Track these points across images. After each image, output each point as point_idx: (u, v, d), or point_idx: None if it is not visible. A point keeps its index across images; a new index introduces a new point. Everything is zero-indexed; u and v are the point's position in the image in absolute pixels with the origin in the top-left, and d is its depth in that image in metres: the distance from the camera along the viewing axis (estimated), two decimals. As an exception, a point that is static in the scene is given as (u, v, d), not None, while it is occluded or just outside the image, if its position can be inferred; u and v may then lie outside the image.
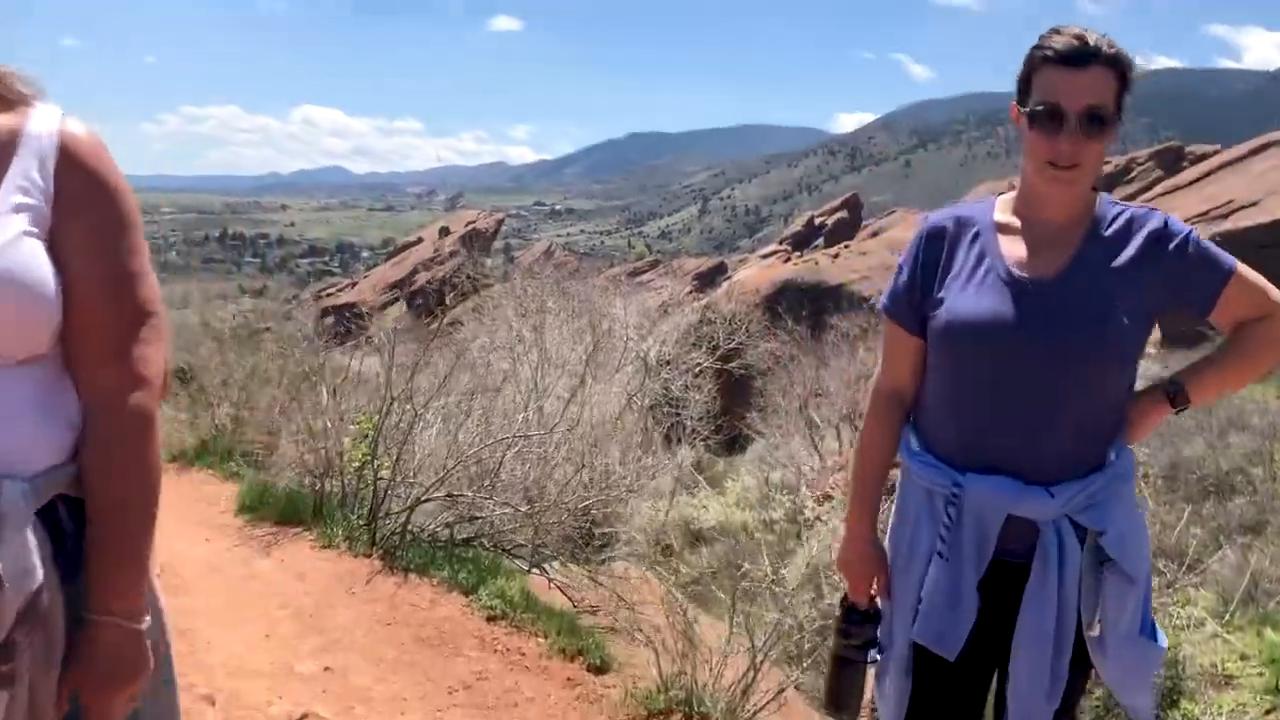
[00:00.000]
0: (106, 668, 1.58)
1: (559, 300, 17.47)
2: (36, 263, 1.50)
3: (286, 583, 5.57)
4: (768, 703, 4.57)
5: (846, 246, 49.63)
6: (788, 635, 4.89)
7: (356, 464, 6.57)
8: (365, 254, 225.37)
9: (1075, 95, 2.09)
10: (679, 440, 16.99)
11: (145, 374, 1.63)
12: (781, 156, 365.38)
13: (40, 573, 1.48)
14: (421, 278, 62.82)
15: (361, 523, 6.24)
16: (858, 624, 2.48)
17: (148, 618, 1.65)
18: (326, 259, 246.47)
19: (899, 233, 70.48)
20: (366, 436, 6.56)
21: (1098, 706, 4.83)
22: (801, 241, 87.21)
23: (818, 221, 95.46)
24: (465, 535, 6.51)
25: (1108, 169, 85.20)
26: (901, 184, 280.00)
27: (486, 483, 6.67)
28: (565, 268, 36.97)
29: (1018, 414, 2.19)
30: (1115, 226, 2.23)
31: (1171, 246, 2.18)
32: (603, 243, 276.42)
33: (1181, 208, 31.14)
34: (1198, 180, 40.73)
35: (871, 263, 45.13)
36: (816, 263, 43.88)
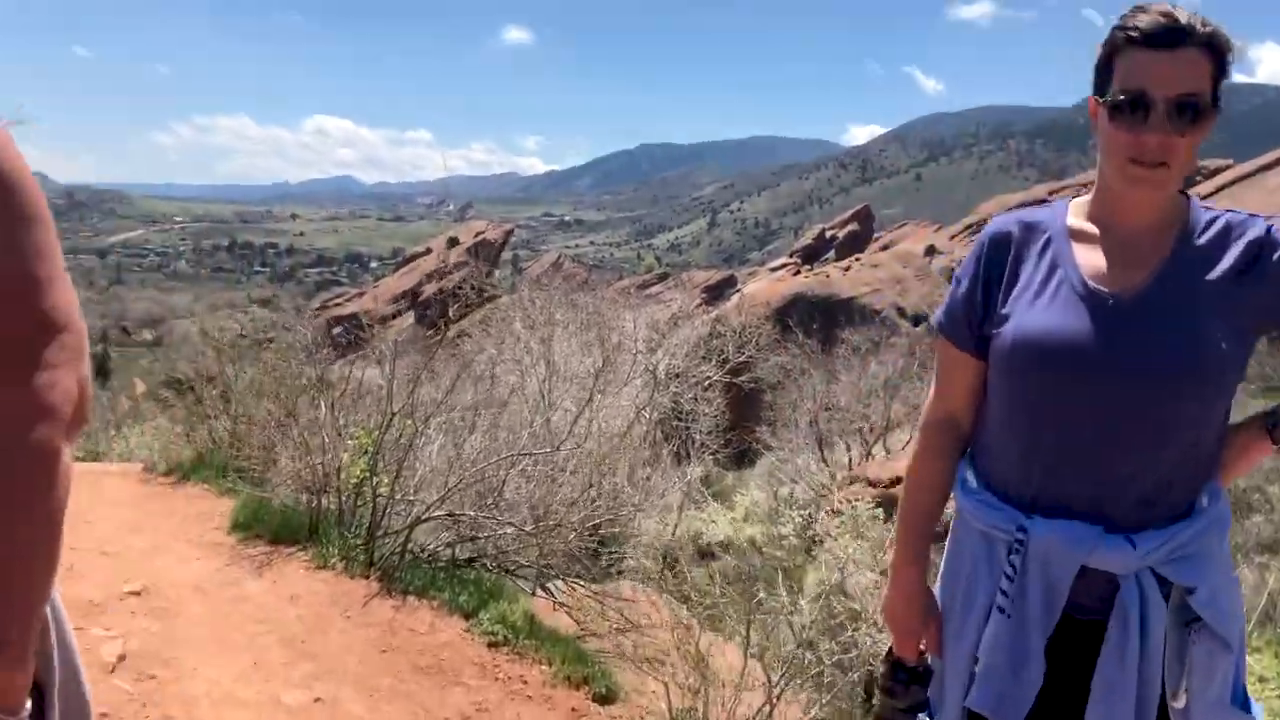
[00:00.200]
0: None
1: (567, 312, 17.25)
2: None
3: (278, 605, 5.31)
4: (784, 741, 4.31)
5: (858, 259, 49.44)
6: (806, 669, 4.61)
7: (355, 480, 6.32)
8: (374, 264, 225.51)
9: (1164, 82, 1.81)
10: (688, 454, 16.76)
11: (50, 401, 1.32)
12: (792, 169, 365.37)
13: None
14: (429, 288, 62.78)
15: (359, 542, 5.98)
16: (904, 684, 2.18)
17: (26, 709, 1.35)
18: (335, 269, 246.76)
19: (910, 245, 70.36)
20: (366, 452, 6.31)
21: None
22: (812, 254, 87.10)
23: (828, 234, 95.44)
24: (467, 555, 6.26)
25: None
26: (912, 197, 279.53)
27: (490, 501, 6.41)
28: (574, 279, 36.82)
29: (1094, 449, 1.89)
30: (1209, 234, 1.93)
31: (1277, 257, 1.87)
32: (612, 254, 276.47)
33: (1197, 222, 30.70)
34: (1212, 195, 40.51)
35: (882, 275, 44.95)
36: (827, 275, 43.68)
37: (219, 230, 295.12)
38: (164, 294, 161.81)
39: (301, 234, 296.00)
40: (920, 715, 2.17)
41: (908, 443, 19.29)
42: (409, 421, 6.55)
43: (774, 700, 4.38)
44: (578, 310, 18.02)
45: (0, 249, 1.31)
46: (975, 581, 2.05)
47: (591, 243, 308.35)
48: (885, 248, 71.20)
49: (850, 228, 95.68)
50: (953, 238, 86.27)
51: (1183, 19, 1.80)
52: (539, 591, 6.49)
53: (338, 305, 76.54)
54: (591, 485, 6.78)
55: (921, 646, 2.19)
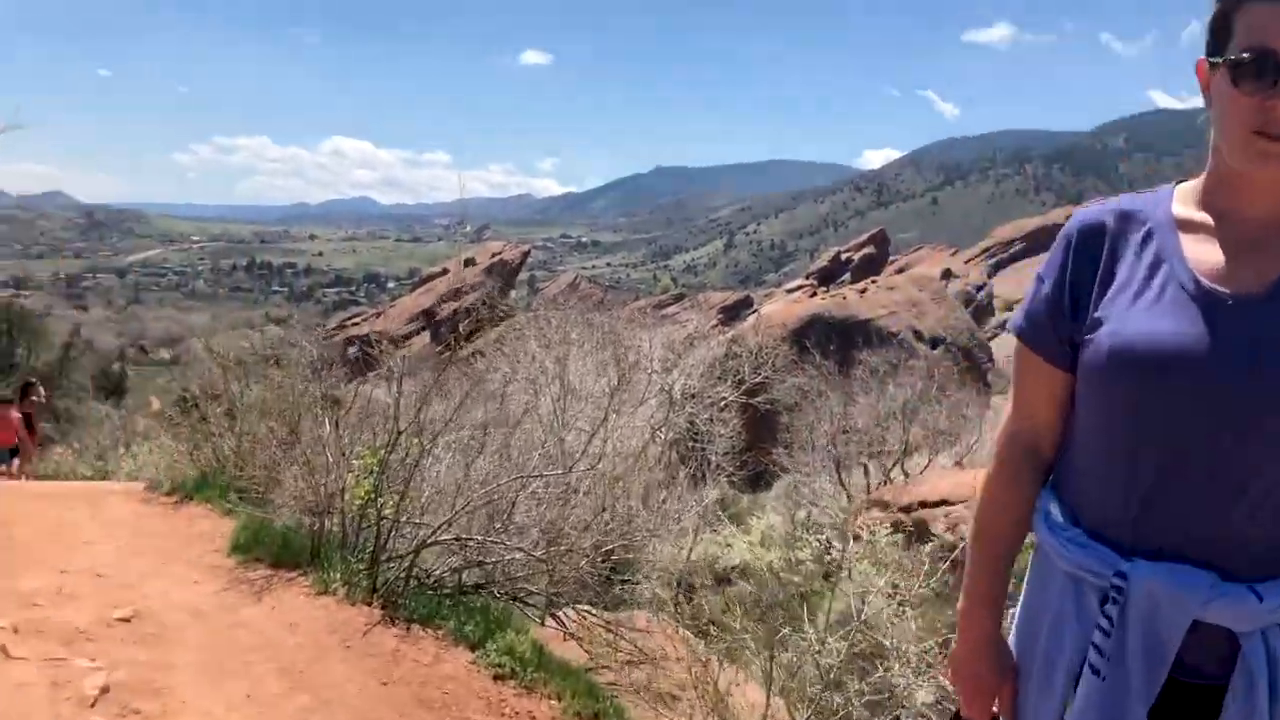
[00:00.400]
0: None
1: (583, 332, 17.06)
2: None
3: (276, 633, 5.07)
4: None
5: (874, 282, 49.15)
6: (834, 713, 4.34)
7: (359, 502, 6.08)
8: (391, 284, 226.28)
9: None
10: (703, 476, 16.53)
11: None
12: (808, 192, 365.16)
13: None
14: (445, 308, 62.78)
15: (362, 566, 5.74)
16: None
17: None
18: (352, 289, 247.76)
19: (926, 269, 70.09)
20: (371, 472, 6.08)
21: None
22: (827, 276, 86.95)
23: (844, 257, 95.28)
24: (474, 581, 6.01)
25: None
26: (928, 220, 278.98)
27: (498, 524, 6.16)
28: (590, 299, 36.68)
29: (1209, 479, 1.57)
30: None
31: None
32: (628, 275, 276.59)
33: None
34: None
35: (899, 298, 44.66)
36: (844, 297, 43.38)
37: (237, 250, 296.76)
38: (182, 313, 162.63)
39: (319, 254, 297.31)
40: None
41: (926, 466, 19.01)
42: (416, 441, 6.32)
43: (798, 743, 4.11)
44: (593, 330, 17.84)
45: None
46: (1060, 633, 1.72)
47: (608, 264, 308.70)
48: (901, 271, 70.95)
49: (866, 251, 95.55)
50: (968, 261, 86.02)
51: None
52: (549, 620, 6.23)
53: (354, 325, 76.66)
54: (605, 509, 6.53)
55: (995, 709, 1.88)
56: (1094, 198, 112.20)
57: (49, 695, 3.91)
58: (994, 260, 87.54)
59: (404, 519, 6.06)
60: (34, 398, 18.81)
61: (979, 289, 76.85)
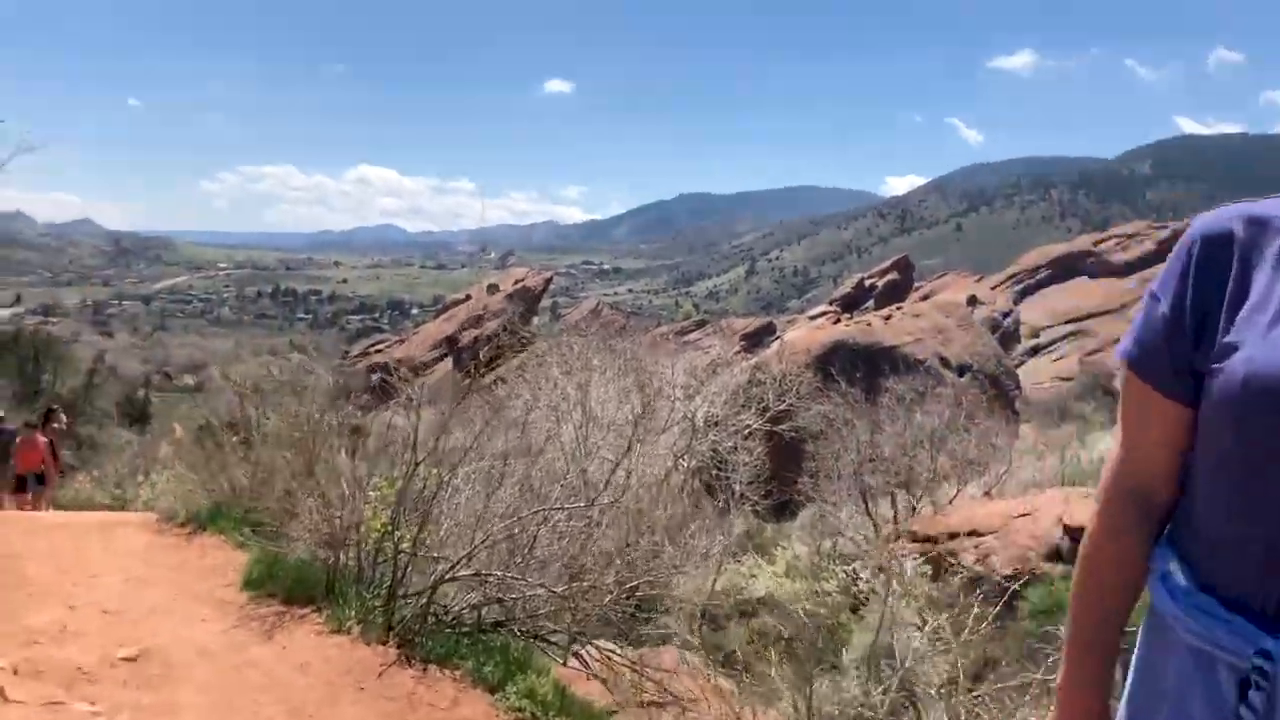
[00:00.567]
0: None
1: (605, 358, 16.90)
2: None
3: (287, 674, 4.87)
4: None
5: (899, 308, 48.75)
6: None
7: (375, 535, 5.88)
8: (415, 311, 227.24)
9: None
10: (728, 506, 16.29)
11: None
12: (831, 218, 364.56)
13: None
14: (468, 335, 62.80)
15: (378, 603, 5.53)
16: None
17: None
18: (377, 316, 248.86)
19: (951, 295, 69.60)
20: (388, 504, 5.88)
21: None
22: (851, 303, 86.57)
23: (868, 283, 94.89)
24: (494, 618, 5.79)
25: (1164, 234, 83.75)
26: (952, 247, 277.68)
27: (519, 559, 5.95)
28: (612, 326, 36.55)
29: None
30: None
31: None
32: (650, 302, 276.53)
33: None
34: None
35: (925, 325, 44.20)
36: (869, 324, 42.97)
37: (262, 277, 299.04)
38: (206, 340, 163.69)
39: (344, 281, 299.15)
40: None
41: (955, 496, 18.66)
42: (434, 471, 6.12)
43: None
44: (615, 356, 17.68)
45: None
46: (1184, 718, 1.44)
47: (630, 290, 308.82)
48: (925, 297, 70.47)
49: (890, 277, 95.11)
50: (994, 288, 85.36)
51: None
52: (571, 658, 6.00)
53: (377, 352, 76.85)
54: (629, 544, 6.31)
55: None
56: (1119, 223, 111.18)
57: (45, 742, 3.72)
58: (1020, 287, 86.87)
59: (422, 553, 5.86)
60: (55, 424, 18.78)
61: (1005, 315, 76.23)
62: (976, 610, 9.97)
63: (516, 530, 6.00)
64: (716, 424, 17.74)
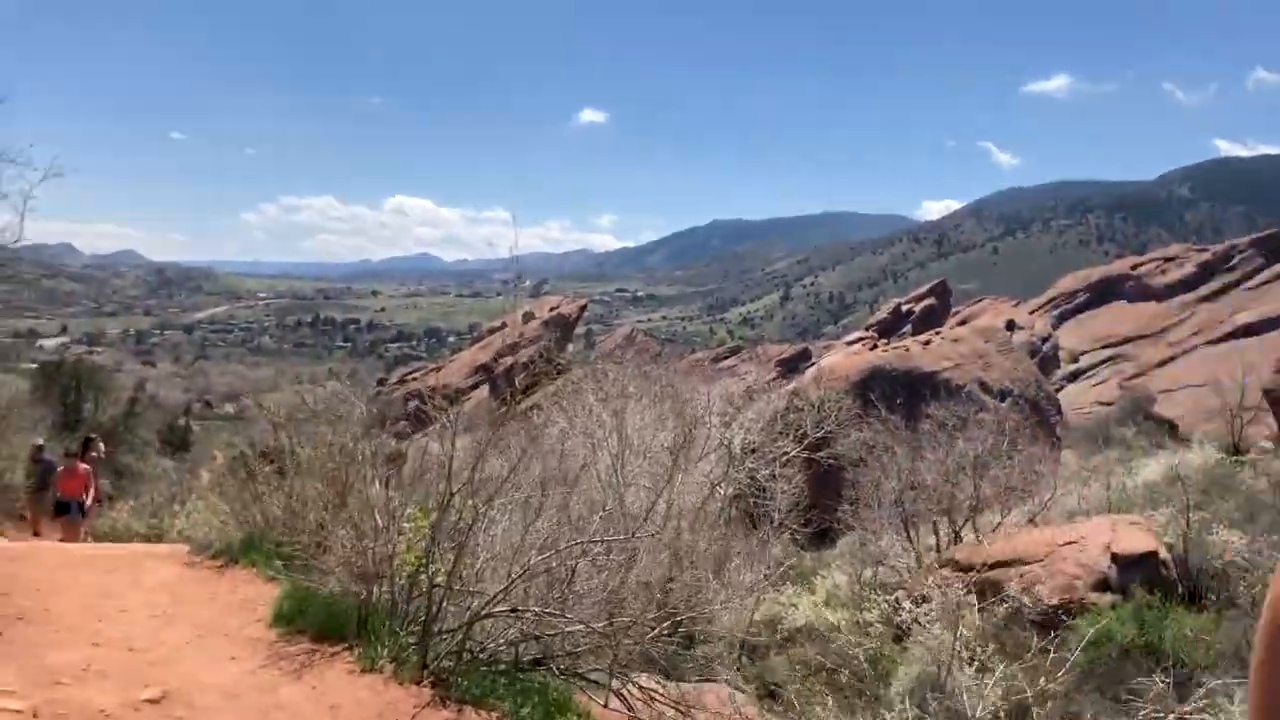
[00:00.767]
0: None
1: (641, 384, 16.70)
2: None
3: (316, 716, 4.67)
4: None
5: (938, 333, 48.19)
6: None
7: (410, 568, 5.68)
8: (451, 339, 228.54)
9: None
10: (767, 534, 16.01)
11: None
12: (866, 244, 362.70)
13: None
14: (504, 362, 62.82)
15: (412, 640, 5.32)
16: None
17: None
18: (414, 344, 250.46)
19: (990, 320, 68.81)
20: (422, 536, 5.68)
21: None
22: (888, 328, 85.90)
23: (904, 308, 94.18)
24: (532, 656, 5.56)
25: (1205, 257, 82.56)
26: (989, 271, 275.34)
27: (557, 594, 5.72)
28: (647, 352, 36.38)
29: None
30: None
31: None
32: (684, 328, 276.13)
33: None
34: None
35: (964, 350, 43.64)
36: (907, 349, 42.47)
37: (302, 306, 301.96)
38: (247, 369, 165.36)
39: (382, 310, 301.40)
40: None
41: (998, 525, 18.23)
42: (469, 502, 5.92)
43: None
44: (651, 382, 17.49)
45: None
46: None
47: (664, 317, 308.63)
48: (963, 322, 69.78)
49: (927, 302, 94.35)
50: (1032, 313, 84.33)
51: None
52: (612, 698, 5.75)
53: (414, 379, 77.08)
54: (672, 578, 6.07)
55: None
56: (1158, 246, 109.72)
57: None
58: (1058, 311, 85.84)
59: (457, 587, 5.65)
60: (94, 453, 18.83)
61: (1043, 340, 75.32)
62: (1026, 643, 9.63)
63: (555, 563, 5.79)
64: (754, 451, 17.49)
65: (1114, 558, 13.78)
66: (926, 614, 11.85)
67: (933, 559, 16.84)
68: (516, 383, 8.92)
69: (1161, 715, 6.63)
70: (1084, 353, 76.99)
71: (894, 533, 18.42)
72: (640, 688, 6.01)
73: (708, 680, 8.15)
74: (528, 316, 71.31)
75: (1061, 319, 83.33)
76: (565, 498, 7.94)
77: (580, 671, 5.82)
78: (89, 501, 17.00)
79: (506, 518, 6.66)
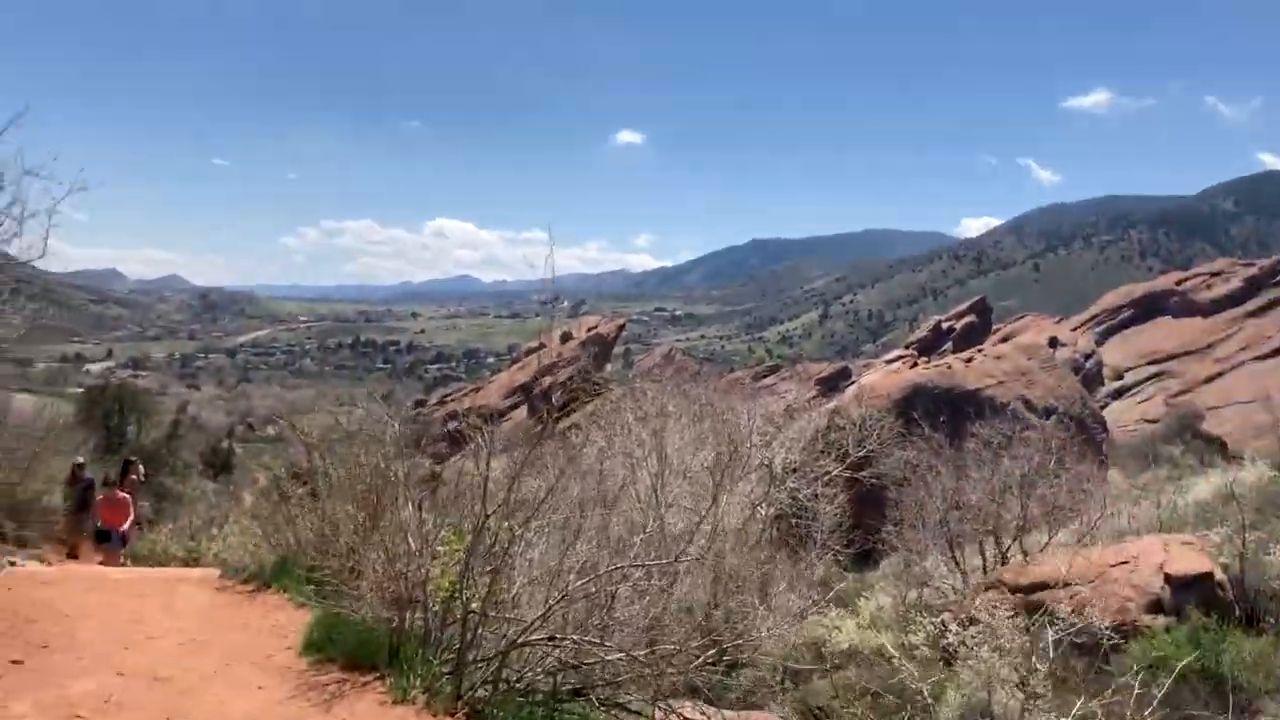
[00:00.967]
0: None
1: (680, 403, 16.49)
2: None
3: (346, 750, 4.48)
4: None
5: (980, 350, 47.73)
6: None
7: (444, 593, 5.48)
8: (491, 359, 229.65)
9: None
10: (809, 555, 15.72)
11: None
12: (905, 262, 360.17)
13: None
14: (544, 382, 62.87)
15: (445, 669, 5.12)
16: None
17: None
18: (453, 365, 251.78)
19: (1032, 337, 67.97)
20: (457, 560, 5.48)
21: None
22: (928, 346, 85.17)
23: (945, 326, 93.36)
24: (571, 685, 5.33)
25: (1251, 271, 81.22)
26: (1030, 288, 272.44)
27: (597, 620, 5.49)
28: (686, 371, 36.16)
29: None
30: None
31: None
32: (722, 348, 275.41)
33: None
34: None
35: (1007, 367, 43.16)
36: (949, 367, 42.06)
37: (343, 329, 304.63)
38: (288, 390, 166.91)
39: (422, 331, 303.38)
40: None
41: (1046, 545, 17.80)
42: (505, 524, 5.70)
43: None
44: (690, 402, 17.28)
45: None
46: None
47: (702, 336, 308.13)
48: (1004, 340, 69.03)
49: (967, 319, 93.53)
50: (1075, 329, 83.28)
51: None
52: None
53: (454, 400, 77.40)
54: (716, 604, 5.84)
55: None
56: (1202, 262, 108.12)
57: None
58: (1102, 328, 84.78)
59: (493, 613, 5.44)
60: (134, 476, 18.85)
61: (1087, 357, 74.35)
62: (1079, 668, 9.28)
63: (594, 588, 5.56)
64: (794, 470, 17.22)
65: (1167, 579, 13.38)
66: (974, 637, 11.52)
67: (979, 580, 16.51)
68: (554, 402, 8.74)
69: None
70: (1128, 369, 75.90)
71: (939, 553, 18.05)
72: (683, 718, 5.76)
73: (752, 708, 7.89)
74: (566, 337, 71.39)
75: (1105, 335, 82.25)
76: (604, 519, 7.72)
77: (621, 702, 5.58)
78: (128, 527, 16.99)
79: (544, 540, 6.44)
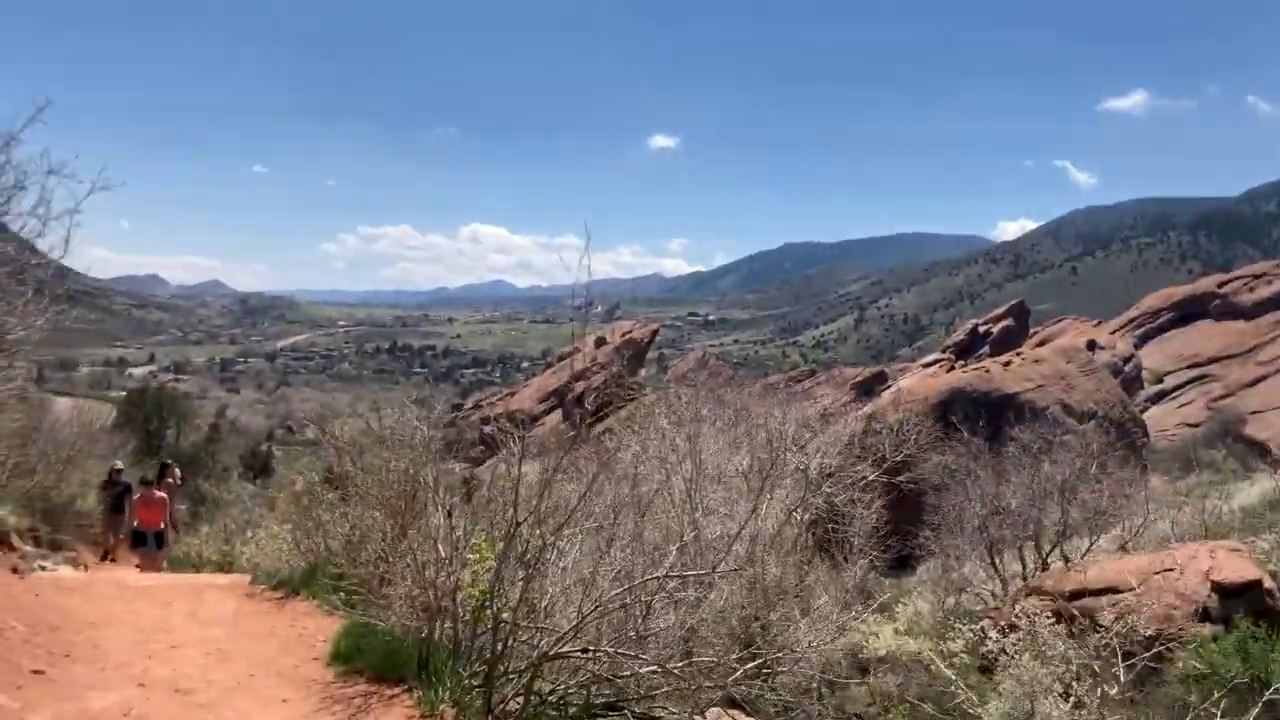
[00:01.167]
0: None
1: (714, 408, 16.32)
2: None
3: (371, 767, 4.33)
4: None
5: (1018, 354, 47.10)
6: None
7: (474, 602, 5.32)
8: (525, 364, 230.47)
9: None
10: (857, 570, 15.53)
11: None
12: (941, 265, 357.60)
13: None
14: (578, 386, 62.87)
15: (475, 682, 4.95)
16: None
17: None
18: (489, 369, 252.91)
19: (1070, 340, 67.13)
20: (487, 569, 5.32)
21: None
22: (964, 350, 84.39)
23: (982, 329, 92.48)
24: (605, 699, 5.15)
25: (1301, 273, 79.80)
26: (1067, 291, 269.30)
27: (632, 631, 5.32)
28: (720, 375, 35.99)
29: None
30: None
31: None
32: (756, 352, 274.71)
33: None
34: None
35: (1046, 371, 42.57)
36: (987, 371, 41.53)
37: (380, 333, 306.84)
38: (326, 394, 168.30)
39: (457, 336, 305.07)
40: None
41: (1087, 551, 17.47)
42: (538, 531, 5.53)
43: None
44: (725, 407, 17.13)
45: None
46: None
47: (736, 341, 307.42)
48: (1042, 343, 68.17)
49: (1005, 323, 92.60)
50: (1114, 332, 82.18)
51: None
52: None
53: (489, 404, 77.63)
54: (758, 617, 5.65)
55: None
56: (1244, 264, 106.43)
57: None
58: (1141, 331, 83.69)
59: (524, 623, 5.28)
60: (170, 479, 18.92)
61: (1126, 361, 73.35)
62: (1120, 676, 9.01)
63: (629, 598, 5.38)
64: (830, 475, 17.00)
65: (1214, 586, 13.08)
66: (1015, 644, 11.27)
67: (1019, 586, 16.28)
68: (587, 402, 8.63)
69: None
70: (1168, 373, 74.78)
71: (977, 559, 17.79)
72: (718, 731, 5.59)
73: (789, 716, 7.70)
74: (600, 342, 71.40)
75: (1144, 339, 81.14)
76: (639, 526, 7.55)
77: (657, 716, 5.39)
78: (165, 528, 17.01)
79: (576, 548, 6.27)
